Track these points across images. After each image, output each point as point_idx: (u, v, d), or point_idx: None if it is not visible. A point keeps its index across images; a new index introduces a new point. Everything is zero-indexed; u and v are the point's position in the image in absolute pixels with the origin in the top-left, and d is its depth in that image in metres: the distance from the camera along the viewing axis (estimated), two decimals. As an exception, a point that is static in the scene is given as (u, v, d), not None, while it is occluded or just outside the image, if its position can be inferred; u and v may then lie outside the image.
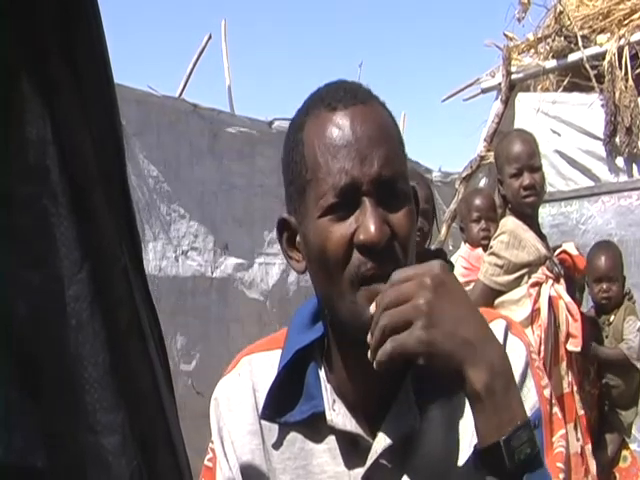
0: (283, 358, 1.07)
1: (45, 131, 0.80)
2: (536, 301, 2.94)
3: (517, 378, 0.96)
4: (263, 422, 1.08)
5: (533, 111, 5.22)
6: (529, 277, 2.99)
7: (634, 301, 3.76)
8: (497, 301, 2.99)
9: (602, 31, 5.17)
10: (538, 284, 2.97)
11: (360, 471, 1.02)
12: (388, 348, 0.87)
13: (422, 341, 0.86)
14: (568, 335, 2.96)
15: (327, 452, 1.05)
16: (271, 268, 4.89)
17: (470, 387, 0.87)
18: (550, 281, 2.98)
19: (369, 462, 1.01)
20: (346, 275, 0.96)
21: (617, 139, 4.82)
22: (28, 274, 0.79)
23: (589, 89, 5.09)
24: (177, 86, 5.07)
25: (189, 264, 4.49)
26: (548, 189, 3.92)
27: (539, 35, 5.51)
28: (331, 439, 1.05)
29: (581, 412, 2.98)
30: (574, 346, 2.96)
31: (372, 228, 0.94)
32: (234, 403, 1.11)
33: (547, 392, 1.08)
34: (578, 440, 2.93)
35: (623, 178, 4.85)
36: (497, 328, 1.01)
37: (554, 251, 3.11)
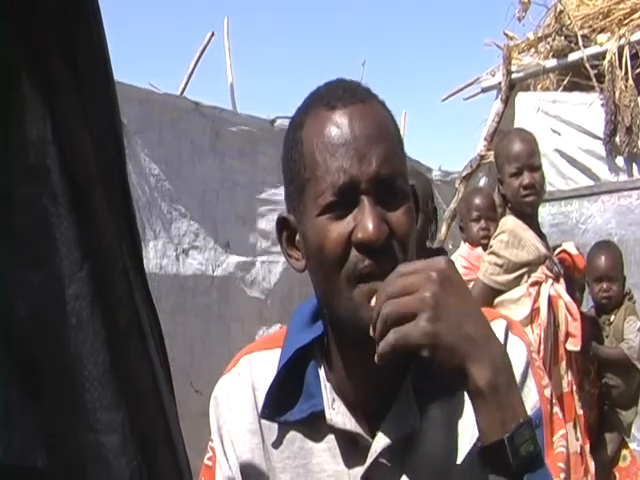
0: (283, 357, 1.07)
1: (45, 131, 0.80)
2: (536, 300, 2.94)
3: (518, 378, 0.96)
4: (263, 421, 1.08)
5: (533, 110, 5.22)
6: (529, 276, 2.99)
7: (634, 301, 3.76)
8: (497, 300, 2.99)
9: (602, 30, 5.17)
10: (538, 283, 2.97)
11: (360, 470, 1.02)
12: (391, 339, 0.86)
13: (427, 333, 0.85)
14: (567, 334, 2.96)
15: (327, 451, 1.05)
16: (274, 266, 4.86)
17: (473, 384, 0.87)
18: (550, 280, 2.98)
19: (369, 461, 1.01)
20: (343, 273, 0.96)
21: (617, 138, 4.81)
22: (28, 274, 0.79)
23: (589, 88, 5.08)
24: (179, 84, 5.08)
25: (190, 263, 4.48)
26: (548, 188, 3.92)
27: (539, 34, 5.51)
28: (331, 438, 1.05)
29: (580, 412, 2.98)
30: (573, 345, 2.96)
31: (370, 226, 0.94)
32: (234, 402, 1.11)
33: (548, 392, 1.08)
34: (577, 440, 2.93)
35: (623, 177, 4.85)
36: (498, 328, 1.00)
37: (554, 250, 3.11)
